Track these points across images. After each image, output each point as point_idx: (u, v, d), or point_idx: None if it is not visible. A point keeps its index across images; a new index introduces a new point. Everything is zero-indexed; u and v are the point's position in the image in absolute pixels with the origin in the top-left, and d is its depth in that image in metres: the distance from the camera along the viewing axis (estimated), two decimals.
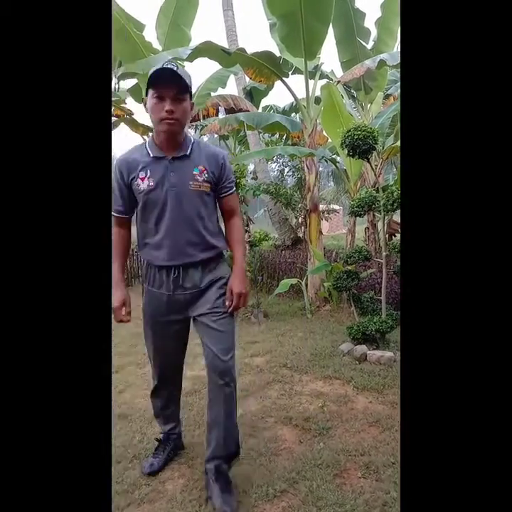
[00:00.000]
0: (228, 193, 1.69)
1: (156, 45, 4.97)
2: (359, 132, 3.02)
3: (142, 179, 1.56)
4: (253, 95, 6.54)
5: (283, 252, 6.51)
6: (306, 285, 4.87)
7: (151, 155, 1.57)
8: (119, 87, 5.15)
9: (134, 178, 1.57)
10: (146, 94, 1.53)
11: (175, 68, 1.46)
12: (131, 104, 5.73)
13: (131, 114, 5.86)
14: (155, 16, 5.11)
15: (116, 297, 1.62)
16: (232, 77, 6.25)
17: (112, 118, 5.62)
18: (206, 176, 1.59)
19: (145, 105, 1.57)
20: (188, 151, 1.59)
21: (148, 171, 1.55)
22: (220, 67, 4.80)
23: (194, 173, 1.57)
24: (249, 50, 4.42)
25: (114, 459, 1.90)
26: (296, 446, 1.98)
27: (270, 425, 2.17)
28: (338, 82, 4.69)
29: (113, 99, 5.40)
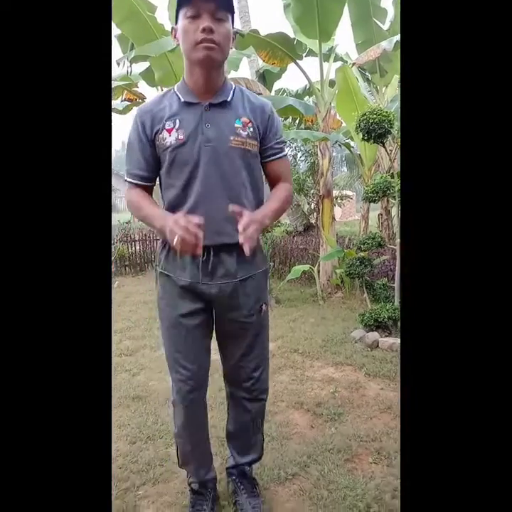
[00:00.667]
0: (277, 155, 1.31)
1: (168, 26, 4.90)
2: (374, 116, 2.96)
3: (169, 131, 1.20)
4: (266, 78, 6.44)
5: (295, 238, 6.49)
6: (318, 272, 4.86)
7: (182, 99, 1.22)
8: (131, 71, 5.11)
9: (159, 130, 1.21)
10: (176, 22, 1.19)
11: None
12: (143, 88, 5.72)
13: (143, 98, 5.83)
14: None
15: (168, 220, 1.10)
16: (244, 60, 6.15)
17: (124, 102, 5.60)
18: (251, 130, 1.24)
19: (174, 37, 1.22)
20: (229, 96, 1.24)
21: (178, 121, 1.20)
22: (233, 49, 4.73)
23: (236, 125, 1.22)
24: (263, 32, 4.34)
25: (128, 439, 1.95)
26: (307, 430, 2.00)
27: (282, 410, 2.19)
28: (353, 64, 4.59)
29: (125, 82, 5.38)
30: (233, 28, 1.21)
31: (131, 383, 2.59)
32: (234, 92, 1.26)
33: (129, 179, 1.28)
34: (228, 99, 1.23)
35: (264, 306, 1.38)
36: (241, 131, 1.22)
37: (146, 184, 1.29)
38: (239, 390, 1.43)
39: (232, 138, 1.21)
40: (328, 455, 1.78)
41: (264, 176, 1.36)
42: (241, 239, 1.06)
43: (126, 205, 1.33)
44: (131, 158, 1.27)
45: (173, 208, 1.24)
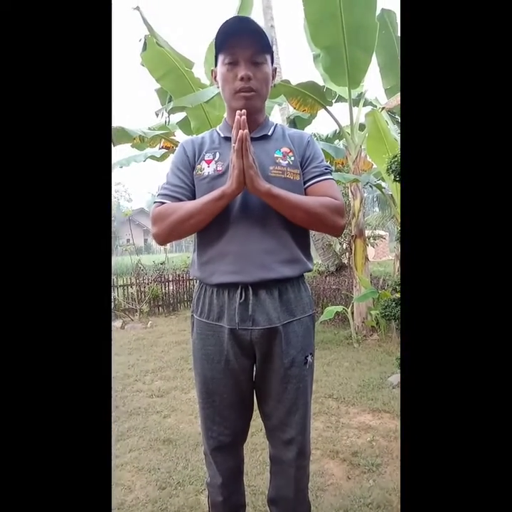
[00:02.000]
0: (318, 178, 1.20)
1: (205, 80, 5.22)
2: None
3: (208, 162, 1.19)
4: (297, 124, 6.65)
5: (327, 278, 6.42)
6: (352, 313, 4.75)
7: (222, 135, 1.23)
8: (169, 121, 5.41)
9: (198, 161, 1.21)
10: (216, 65, 1.19)
11: (249, 19, 1.12)
12: (180, 136, 6.01)
13: None
14: (204, 53, 5.39)
15: (221, 189, 1.09)
16: (276, 108, 6.41)
17: (162, 150, 5.90)
18: (292, 159, 1.19)
19: (215, 79, 1.22)
20: (270, 131, 1.23)
21: (217, 154, 1.19)
22: None
23: (276, 155, 1.18)
24: (293, 82, 4.53)
25: (157, 484, 1.90)
26: (343, 482, 1.89)
27: (316, 458, 2.09)
28: (383, 108, 4.68)
29: (163, 131, 5.70)
30: (272, 66, 1.19)
31: (162, 425, 2.56)
32: (275, 127, 1.25)
33: (159, 199, 1.19)
34: (269, 133, 1.22)
35: (309, 358, 1.22)
36: (281, 161, 1.18)
37: None
38: (281, 453, 1.26)
39: (271, 168, 1.16)
40: (366, 510, 1.67)
41: None
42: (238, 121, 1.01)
43: (153, 219, 1.18)
44: (167, 183, 1.22)
45: (206, 243, 1.19)
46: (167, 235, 1.18)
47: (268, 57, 1.16)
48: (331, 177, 1.24)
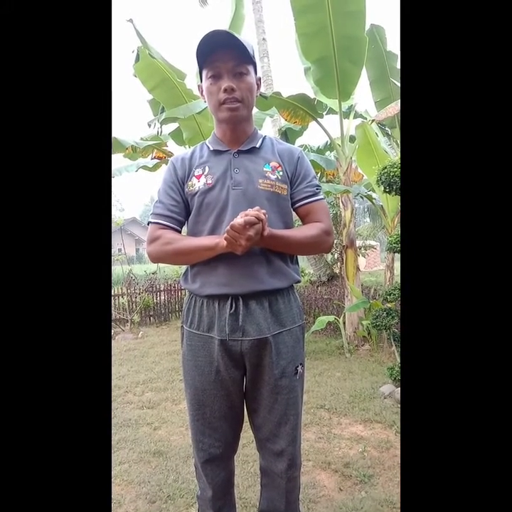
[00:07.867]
0: (309, 199, 1.24)
1: (197, 91, 5.26)
2: (395, 169, 3.02)
3: (198, 177, 1.21)
4: (288, 136, 6.72)
5: (319, 288, 6.44)
6: (344, 323, 4.76)
7: (211, 148, 1.25)
8: (161, 131, 5.45)
9: (189, 177, 1.23)
10: (201, 80, 1.22)
11: (226, 32, 1.12)
12: (172, 147, 6.04)
13: (171, 156, 6.15)
14: (196, 65, 5.45)
15: (213, 238, 1.15)
16: (268, 120, 6.47)
17: (154, 160, 5.92)
18: (281, 173, 1.22)
19: (202, 94, 1.25)
20: (258, 143, 1.25)
21: (207, 168, 1.21)
22: (257, 110, 5.00)
23: (265, 169, 1.21)
24: (285, 94, 4.59)
25: (147, 498, 1.87)
26: (335, 493, 1.88)
27: (308, 470, 2.08)
28: (373, 120, 4.76)
29: (155, 142, 5.72)
30: (256, 75, 1.22)
31: (152, 437, 2.53)
32: (263, 139, 1.27)
33: (154, 220, 1.22)
34: (257, 146, 1.24)
35: (299, 368, 1.23)
36: (270, 175, 1.20)
37: (171, 225, 1.22)
38: (272, 464, 1.25)
39: (260, 181, 1.19)
40: None
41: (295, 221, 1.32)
42: (242, 215, 1.02)
43: (150, 238, 1.22)
44: (159, 201, 1.25)
45: None
46: (160, 259, 1.25)
47: (250, 68, 1.18)
48: (322, 197, 1.28)
